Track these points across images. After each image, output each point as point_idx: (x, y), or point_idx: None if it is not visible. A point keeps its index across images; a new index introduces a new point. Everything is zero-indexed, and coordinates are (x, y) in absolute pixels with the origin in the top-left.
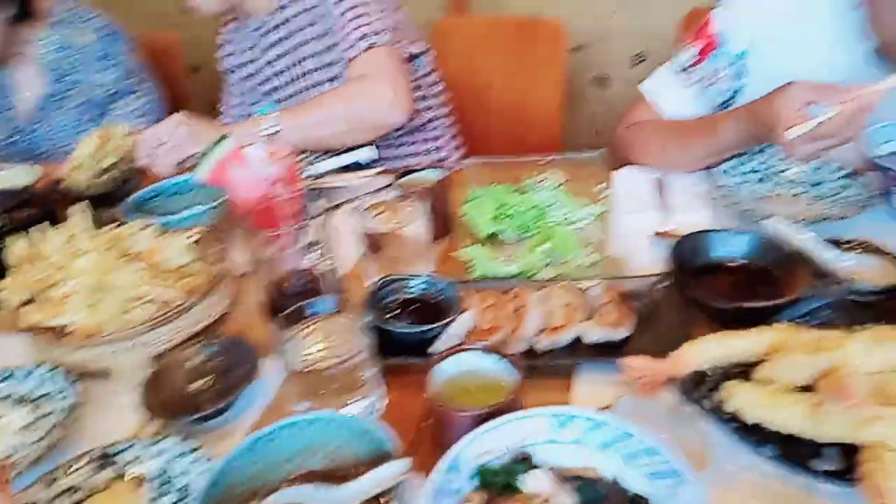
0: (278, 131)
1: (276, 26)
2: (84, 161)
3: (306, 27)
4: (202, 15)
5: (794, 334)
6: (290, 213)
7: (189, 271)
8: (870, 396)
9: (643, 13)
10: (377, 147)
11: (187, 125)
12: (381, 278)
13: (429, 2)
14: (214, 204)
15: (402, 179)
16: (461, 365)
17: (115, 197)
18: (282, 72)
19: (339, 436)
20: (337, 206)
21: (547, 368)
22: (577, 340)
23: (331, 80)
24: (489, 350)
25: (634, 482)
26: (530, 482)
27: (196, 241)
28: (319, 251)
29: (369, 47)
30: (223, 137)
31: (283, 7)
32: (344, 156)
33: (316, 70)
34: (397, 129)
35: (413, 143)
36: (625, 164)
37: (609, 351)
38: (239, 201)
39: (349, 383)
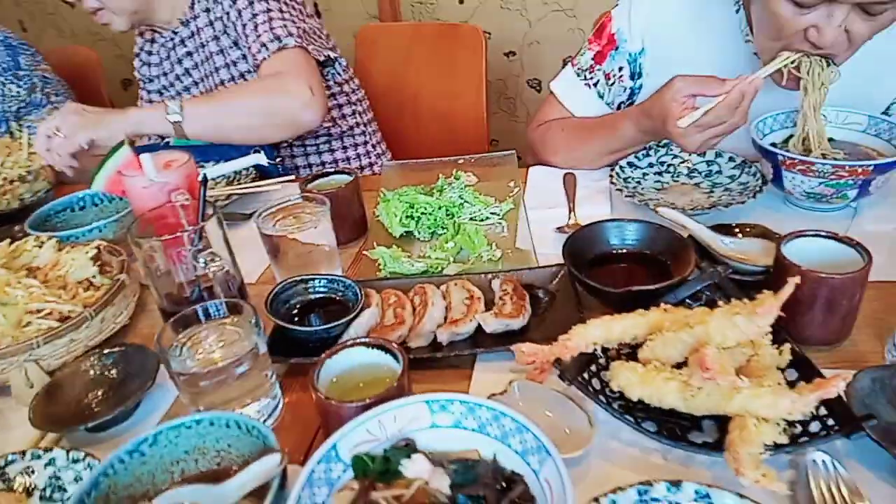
0: (179, 121)
1: (186, 38)
2: None
3: (216, 38)
4: (115, 31)
5: (671, 314)
6: (187, 220)
7: (91, 284)
8: (733, 369)
9: (573, 18)
10: (301, 156)
11: (79, 114)
12: (283, 281)
13: (359, 11)
14: (117, 216)
15: (311, 185)
16: (351, 360)
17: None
18: (196, 83)
19: (227, 436)
20: (247, 214)
21: (448, 360)
22: (479, 332)
23: None
24: (376, 344)
25: (511, 461)
26: (410, 467)
27: (98, 254)
28: (215, 257)
29: (280, 49)
30: (120, 145)
31: (191, 19)
32: (234, 162)
33: (231, 80)
34: (320, 136)
35: (336, 150)
36: (537, 163)
37: (508, 340)
38: (136, 209)
39: (246, 385)
